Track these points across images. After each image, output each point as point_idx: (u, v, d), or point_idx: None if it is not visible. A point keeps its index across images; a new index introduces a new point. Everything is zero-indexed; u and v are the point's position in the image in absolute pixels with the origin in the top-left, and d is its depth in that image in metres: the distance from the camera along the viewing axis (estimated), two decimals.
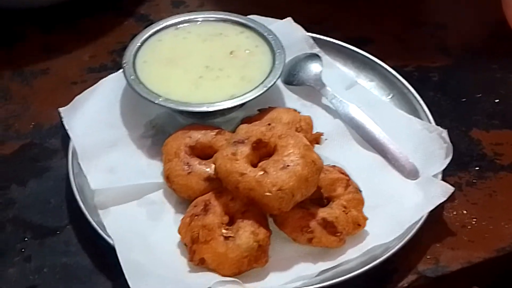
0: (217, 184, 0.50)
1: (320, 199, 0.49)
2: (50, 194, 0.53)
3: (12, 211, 0.52)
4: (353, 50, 0.64)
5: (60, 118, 0.57)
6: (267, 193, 0.45)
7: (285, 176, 0.46)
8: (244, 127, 0.50)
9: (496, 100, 0.62)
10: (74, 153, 0.53)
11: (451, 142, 0.53)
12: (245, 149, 0.48)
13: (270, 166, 0.47)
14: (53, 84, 0.63)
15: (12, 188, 0.54)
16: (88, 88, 0.59)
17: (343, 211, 0.48)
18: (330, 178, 0.49)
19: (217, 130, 0.54)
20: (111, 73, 0.63)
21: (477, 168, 0.56)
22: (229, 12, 0.63)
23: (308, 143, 0.49)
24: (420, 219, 0.48)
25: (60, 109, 0.57)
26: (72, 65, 0.65)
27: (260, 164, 0.48)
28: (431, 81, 0.64)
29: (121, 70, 0.60)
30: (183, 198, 0.51)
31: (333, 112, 0.59)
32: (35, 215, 0.52)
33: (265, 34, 0.60)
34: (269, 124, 0.49)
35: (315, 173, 0.47)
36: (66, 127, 0.55)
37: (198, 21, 0.62)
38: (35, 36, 0.68)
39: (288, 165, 0.46)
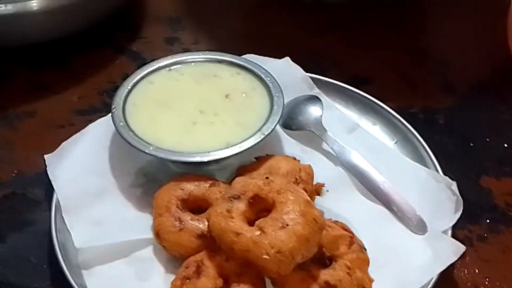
0: (211, 242, 0.46)
1: (321, 259, 0.46)
2: (31, 251, 0.50)
3: None
4: (354, 92, 0.61)
5: (45, 165, 0.54)
6: (265, 256, 0.42)
7: (285, 237, 0.42)
8: (240, 180, 0.47)
9: (505, 145, 0.59)
10: (58, 205, 0.50)
11: (460, 191, 0.50)
12: (241, 205, 0.45)
13: (268, 225, 0.43)
14: (39, 127, 0.60)
15: None
16: (75, 132, 0.56)
17: (347, 272, 0.44)
18: (333, 236, 0.46)
19: (211, 182, 0.50)
20: (100, 115, 0.60)
21: (488, 220, 0.52)
22: (225, 50, 0.61)
23: (308, 198, 0.45)
24: (429, 281, 0.45)
25: (45, 156, 0.54)
26: (59, 106, 0.62)
27: (257, 222, 0.44)
28: (437, 123, 0.61)
29: (110, 114, 0.57)
30: (173, 256, 0.48)
31: (334, 159, 0.55)
32: (13, 275, 0.48)
33: (263, 75, 0.57)
34: (267, 178, 0.46)
35: (317, 233, 0.44)
36: (50, 176, 0.52)
37: (191, 61, 0.59)
38: (22, 75, 0.65)
39: (287, 224, 0.43)
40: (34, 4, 0.62)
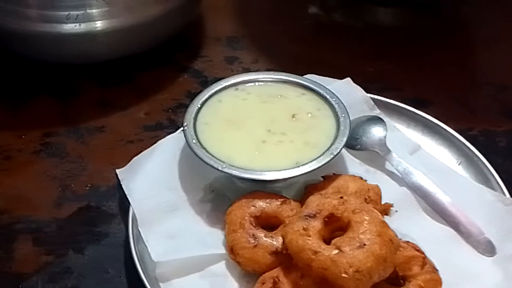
0: (284, 259, 0.47)
1: (395, 279, 0.46)
2: (108, 262, 0.51)
3: (70, 281, 0.50)
4: (415, 113, 0.62)
5: (118, 179, 0.56)
6: (344, 275, 0.43)
7: (362, 256, 0.43)
8: (315, 199, 0.48)
9: None
10: (134, 219, 0.52)
11: None
12: (317, 224, 0.46)
13: (346, 244, 0.44)
14: (109, 142, 0.62)
15: (69, 255, 0.52)
16: (144, 147, 0.58)
17: None
18: (405, 256, 0.47)
19: (282, 200, 0.52)
20: (167, 131, 0.62)
21: None
22: (284, 70, 0.62)
23: (383, 219, 0.46)
24: None
25: (118, 171, 0.56)
26: (127, 122, 0.65)
27: (333, 241, 0.45)
28: (498, 146, 0.62)
29: (178, 131, 0.59)
30: (247, 271, 0.49)
31: (399, 179, 0.56)
32: (92, 286, 0.50)
33: (328, 96, 0.59)
34: (341, 198, 0.47)
35: (393, 253, 0.45)
36: (125, 190, 0.54)
37: (257, 81, 0.61)
38: (91, 91, 0.68)
39: (364, 244, 0.44)
40: (105, 24, 0.64)
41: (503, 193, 0.54)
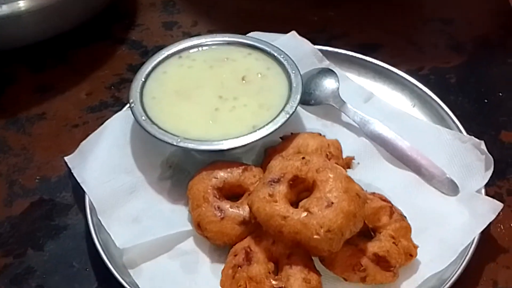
0: (254, 227, 0.46)
1: (365, 231, 0.46)
2: (72, 256, 0.49)
3: (34, 281, 0.48)
4: (365, 60, 0.61)
5: (68, 168, 0.53)
6: (316, 236, 0.42)
7: (332, 215, 0.43)
8: (277, 163, 0.47)
9: None
10: (92, 207, 0.49)
11: None
12: (282, 188, 0.45)
13: (314, 205, 0.43)
14: (53, 129, 0.59)
15: (29, 254, 0.50)
16: (91, 130, 0.55)
17: (393, 242, 0.45)
18: (373, 208, 0.46)
19: (243, 167, 0.50)
20: (113, 110, 0.59)
21: None
22: (226, 29, 0.60)
23: (347, 174, 0.46)
24: (472, 241, 0.46)
25: (66, 158, 0.53)
26: (69, 105, 0.61)
27: (301, 203, 0.44)
28: (449, 83, 0.62)
29: (125, 108, 0.56)
30: (217, 245, 0.48)
31: (357, 130, 0.56)
32: (60, 282, 0.48)
33: (275, 54, 0.57)
34: (303, 158, 0.46)
35: (361, 207, 0.44)
36: (78, 178, 0.51)
37: (200, 46, 0.58)
38: (25, 77, 0.64)
39: (332, 202, 0.43)
40: (29, 2, 0.60)
41: (460, 131, 0.54)
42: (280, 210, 0.44)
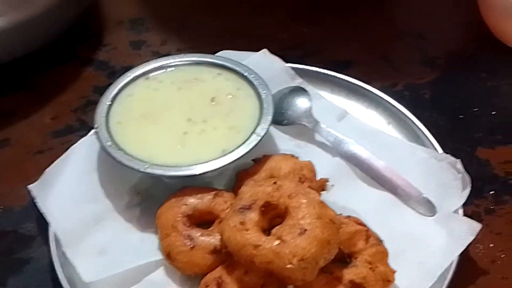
0: (225, 256, 0.44)
1: (340, 257, 0.45)
2: None
3: None
4: (337, 77, 0.60)
5: (32, 197, 0.50)
6: (289, 265, 0.41)
7: (305, 243, 0.41)
8: (247, 190, 0.45)
9: (493, 112, 0.59)
10: (56, 239, 0.47)
11: None
12: (253, 216, 0.43)
13: (286, 233, 0.42)
14: (16, 156, 0.57)
15: None
16: (56, 156, 0.53)
17: (370, 268, 0.44)
18: (348, 232, 0.45)
19: (213, 192, 0.48)
20: (79, 135, 0.57)
21: (492, 192, 0.53)
22: (196, 48, 0.58)
23: (320, 200, 0.44)
24: (451, 264, 0.45)
25: (30, 187, 0.51)
26: (33, 131, 0.59)
27: (273, 230, 0.43)
28: (424, 99, 0.61)
29: (91, 133, 0.54)
30: (188, 275, 0.46)
31: (331, 150, 0.54)
32: None
33: (245, 73, 0.55)
34: (275, 183, 0.44)
35: (336, 233, 0.43)
36: (41, 209, 0.49)
37: (168, 67, 0.57)
38: None
39: (305, 230, 0.42)
40: None
41: (435, 149, 0.53)
42: (251, 238, 0.42)
